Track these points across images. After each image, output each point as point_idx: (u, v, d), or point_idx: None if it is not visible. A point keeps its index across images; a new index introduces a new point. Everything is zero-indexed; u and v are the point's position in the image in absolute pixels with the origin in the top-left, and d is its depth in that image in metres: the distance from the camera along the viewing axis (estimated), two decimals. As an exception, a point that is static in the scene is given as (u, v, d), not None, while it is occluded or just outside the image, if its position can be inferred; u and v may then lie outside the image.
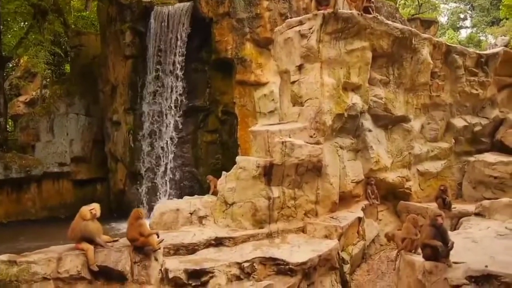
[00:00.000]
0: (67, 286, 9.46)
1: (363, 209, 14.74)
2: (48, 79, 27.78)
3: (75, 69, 24.81)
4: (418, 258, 9.77)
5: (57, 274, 9.46)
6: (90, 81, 23.47)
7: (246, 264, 10.83)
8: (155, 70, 19.99)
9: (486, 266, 8.68)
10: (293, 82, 14.60)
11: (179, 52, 19.51)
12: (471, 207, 14.91)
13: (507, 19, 39.48)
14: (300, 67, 14.48)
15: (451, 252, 9.14)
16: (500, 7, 37.15)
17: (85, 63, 24.30)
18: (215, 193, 14.38)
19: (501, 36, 33.51)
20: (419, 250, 9.92)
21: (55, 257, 9.63)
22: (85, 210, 10.02)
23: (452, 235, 10.09)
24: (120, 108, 21.22)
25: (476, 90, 18.03)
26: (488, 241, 11.00)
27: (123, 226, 12.80)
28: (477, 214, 14.11)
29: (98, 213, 10.15)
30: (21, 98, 29.58)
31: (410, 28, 16.49)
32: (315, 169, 13.53)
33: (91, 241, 9.87)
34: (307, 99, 14.16)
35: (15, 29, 26.53)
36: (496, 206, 13.75)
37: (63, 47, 25.97)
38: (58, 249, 10.04)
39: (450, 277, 8.74)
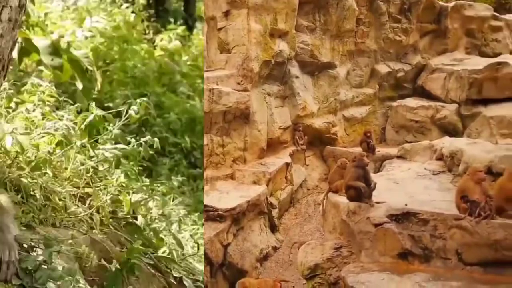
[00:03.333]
0: None
1: (290, 155, 14.93)
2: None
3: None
4: (342, 200, 10.07)
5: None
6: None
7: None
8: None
9: (406, 205, 9.07)
10: (220, 29, 14.38)
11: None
12: (393, 151, 15.33)
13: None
14: (226, 13, 14.25)
15: (374, 193, 9.44)
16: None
17: None
18: None
19: (424, -16, 34.05)
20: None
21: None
22: None
23: (375, 177, 10.43)
24: None
25: (400, 36, 18.32)
26: (409, 182, 11.42)
27: None
28: (399, 157, 14.53)
29: None
30: None
31: (335, -26, 16.46)
32: (243, 116, 13.56)
33: None
34: (234, 46, 14.04)
35: None
36: (416, 149, 14.23)
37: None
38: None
39: (373, 216, 9.07)
